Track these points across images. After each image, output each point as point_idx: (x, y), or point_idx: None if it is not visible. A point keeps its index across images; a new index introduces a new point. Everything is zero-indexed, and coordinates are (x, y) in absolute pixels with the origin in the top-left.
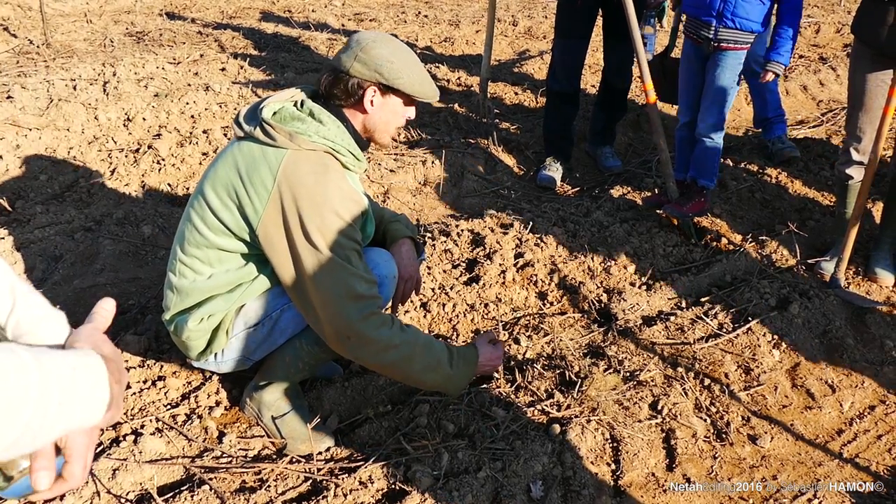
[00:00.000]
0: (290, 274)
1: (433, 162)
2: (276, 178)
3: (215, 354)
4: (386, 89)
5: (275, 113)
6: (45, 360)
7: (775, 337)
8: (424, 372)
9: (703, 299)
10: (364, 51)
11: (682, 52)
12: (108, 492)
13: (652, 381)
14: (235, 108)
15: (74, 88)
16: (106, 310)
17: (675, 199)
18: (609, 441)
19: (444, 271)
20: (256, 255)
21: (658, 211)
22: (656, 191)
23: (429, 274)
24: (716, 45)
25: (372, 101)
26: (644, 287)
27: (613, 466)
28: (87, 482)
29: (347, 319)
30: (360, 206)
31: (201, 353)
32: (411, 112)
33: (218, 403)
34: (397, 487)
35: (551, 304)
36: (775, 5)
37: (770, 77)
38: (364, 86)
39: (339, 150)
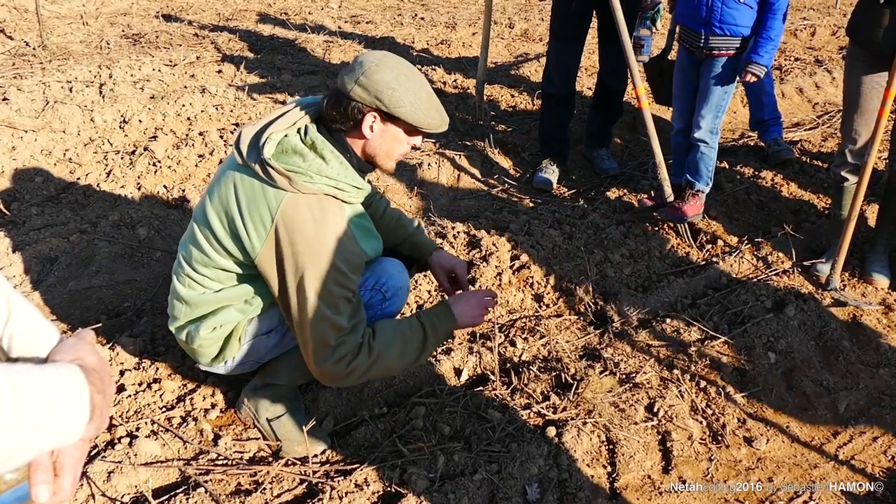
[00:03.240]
0: (282, 306)
1: (429, 164)
2: (274, 220)
3: (226, 361)
4: (386, 117)
5: (278, 143)
6: (22, 383)
7: (771, 339)
8: (405, 359)
9: (698, 301)
10: (366, 75)
11: (676, 59)
12: (103, 494)
13: (648, 383)
14: (232, 111)
15: (70, 90)
16: (90, 332)
17: (670, 202)
18: (605, 443)
19: None
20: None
21: (654, 214)
22: (651, 193)
23: (425, 276)
24: (707, 52)
25: (371, 128)
26: (640, 289)
27: (609, 469)
28: (80, 486)
29: (323, 364)
30: (356, 254)
31: (214, 358)
32: (417, 140)
33: (213, 406)
34: (393, 490)
35: (547, 306)
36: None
37: (750, 78)
38: (364, 111)
39: (341, 187)
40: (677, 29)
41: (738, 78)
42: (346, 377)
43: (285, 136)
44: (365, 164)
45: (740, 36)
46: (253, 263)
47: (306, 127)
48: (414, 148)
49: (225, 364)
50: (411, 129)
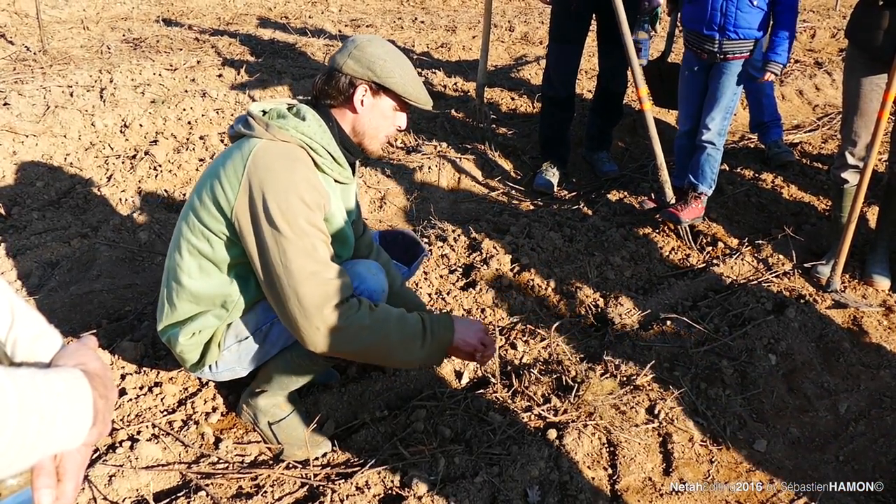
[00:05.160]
0: (260, 264)
1: (430, 167)
2: (246, 165)
3: (209, 366)
4: (377, 89)
5: (265, 112)
6: (26, 387)
7: (771, 341)
8: (405, 341)
9: (699, 303)
10: (359, 48)
11: (682, 62)
12: (105, 498)
13: (648, 385)
14: (232, 115)
15: (71, 95)
16: (92, 338)
17: (672, 204)
18: (606, 445)
19: (441, 276)
20: (238, 265)
21: (656, 216)
22: (652, 195)
23: (425, 279)
24: (721, 56)
25: (362, 101)
26: (640, 291)
27: (610, 471)
28: (82, 489)
29: (316, 308)
30: (326, 200)
31: (195, 364)
32: (402, 120)
33: (214, 409)
34: (394, 493)
35: (548, 308)
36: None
37: (769, 77)
38: (356, 83)
39: (314, 147)
40: (677, 31)
41: (745, 78)
42: (345, 331)
43: (273, 107)
44: (351, 144)
45: (753, 39)
46: (231, 228)
47: (297, 105)
48: (399, 130)
49: (210, 370)
50: (399, 105)
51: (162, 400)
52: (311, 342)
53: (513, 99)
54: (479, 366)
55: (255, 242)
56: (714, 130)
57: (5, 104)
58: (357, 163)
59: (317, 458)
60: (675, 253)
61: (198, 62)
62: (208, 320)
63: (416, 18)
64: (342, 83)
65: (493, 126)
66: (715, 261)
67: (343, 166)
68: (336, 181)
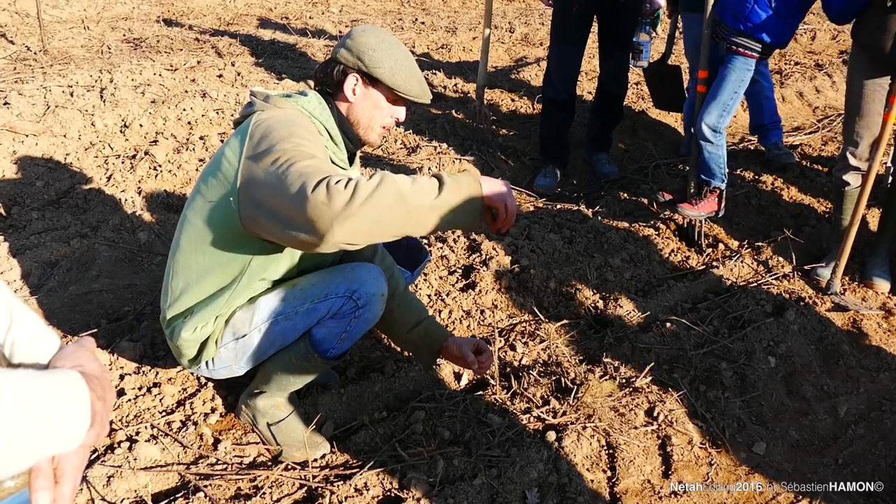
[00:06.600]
0: (266, 190)
1: (430, 168)
2: (248, 130)
3: (206, 363)
4: (369, 79)
5: (268, 98)
6: (24, 389)
7: (771, 343)
8: (418, 191)
9: (699, 305)
10: (352, 38)
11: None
12: (103, 499)
13: (647, 387)
14: (232, 115)
15: (71, 95)
16: (90, 340)
17: (688, 199)
18: (605, 448)
19: (441, 278)
20: (241, 247)
21: (670, 210)
22: (667, 189)
23: (425, 280)
24: (728, 46)
25: (354, 90)
26: (640, 293)
27: (609, 473)
28: (80, 490)
29: (319, 187)
30: (322, 147)
31: (192, 360)
32: (400, 112)
33: (213, 410)
34: (393, 494)
35: (547, 310)
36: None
37: None
38: (347, 72)
39: (313, 122)
40: (677, 33)
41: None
42: (350, 201)
43: (277, 92)
44: (350, 131)
45: (762, 40)
46: (236, 188)
47: (301, 90)
48: (398, 122)
49: (206, 367)
50: (393, 98)
51: (161, 400)
52: (322, 221)
53: (513, 100)
54: (476, 374)
55: (257, 172)
56: (709, 124)
57: (5, 104)
58: (357, 156)
59: (315, 460)
60: (675, 255)
61: (198, 62)
62: (210, 312)
63: (416, 19)
64: (336, 72)
65: (494, 127)
66: (715, 263)
67: (339, 148)
68: (332, 162)
